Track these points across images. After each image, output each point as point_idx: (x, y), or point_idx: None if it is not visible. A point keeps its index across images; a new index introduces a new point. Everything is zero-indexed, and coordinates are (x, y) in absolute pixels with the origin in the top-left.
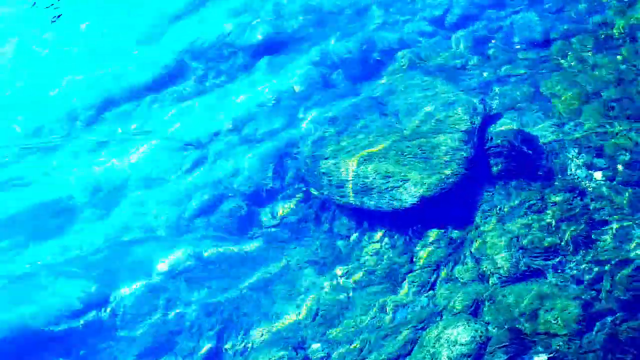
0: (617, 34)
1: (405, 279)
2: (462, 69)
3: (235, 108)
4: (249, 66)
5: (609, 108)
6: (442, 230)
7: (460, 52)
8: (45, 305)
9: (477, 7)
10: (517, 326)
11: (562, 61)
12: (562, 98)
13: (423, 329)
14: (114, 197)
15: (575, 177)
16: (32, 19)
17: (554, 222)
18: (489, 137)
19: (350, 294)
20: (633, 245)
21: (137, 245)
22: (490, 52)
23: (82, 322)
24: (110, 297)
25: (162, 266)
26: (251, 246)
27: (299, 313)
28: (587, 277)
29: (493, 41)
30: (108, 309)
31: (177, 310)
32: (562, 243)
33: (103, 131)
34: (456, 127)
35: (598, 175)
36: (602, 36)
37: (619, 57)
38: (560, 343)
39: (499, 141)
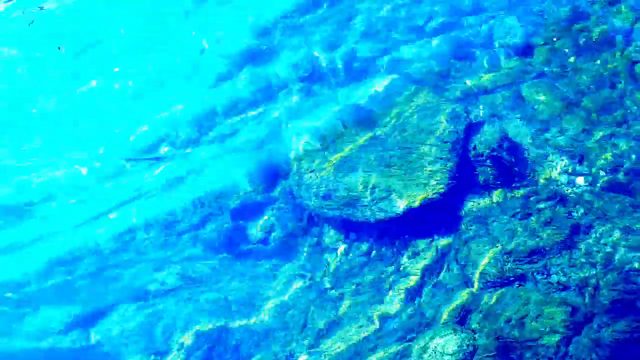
0: (595, 37)
1: (392, 288)
2: (445, 77)
3: None
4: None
5: (591, 114)
6: (429, 239)
7: (443, 60)
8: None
9: (458, 15)
10: (504, 334)
11: (544, 67)
12: (545, 104)
13: (411, 340)
14: None
15: (559, 183)
16: None
17: (538, 228)
18: (474, 146)
19: (338, 305)
20: (616, 249)
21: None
22: (473, 59)
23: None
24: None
25: (151, 286)
26: (237, 260)
27: (287, 327)
28: (572, 282)
29: (475, 49)
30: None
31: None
32: (547, 248)
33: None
34: (441, 136)
35: (581, 180)
36: (583, 40)
37: (598, 61)
38: (548, 350)
39: (483, 149)
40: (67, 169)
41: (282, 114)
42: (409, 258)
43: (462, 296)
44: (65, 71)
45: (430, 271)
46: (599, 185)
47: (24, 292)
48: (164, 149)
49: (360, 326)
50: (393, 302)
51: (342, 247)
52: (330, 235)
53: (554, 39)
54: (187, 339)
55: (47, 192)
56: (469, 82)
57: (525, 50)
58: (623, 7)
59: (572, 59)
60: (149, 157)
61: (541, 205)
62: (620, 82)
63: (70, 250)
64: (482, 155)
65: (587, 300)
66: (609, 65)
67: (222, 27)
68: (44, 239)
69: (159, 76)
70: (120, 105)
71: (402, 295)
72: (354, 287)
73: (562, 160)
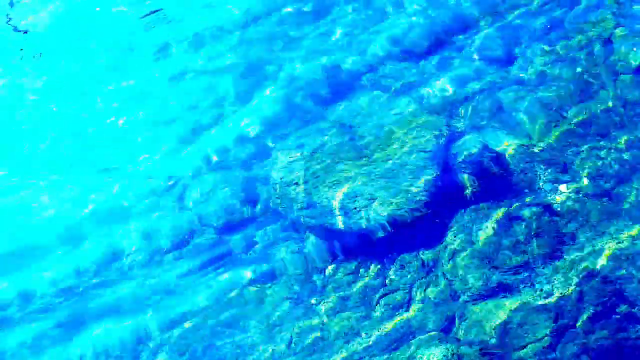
0: (576, 45)
1: (379, 303)
2: (426, 88)
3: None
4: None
5: (574, 123)
6: (414, 252)
7: (425, 71)
8: None
9: (440, 26)
10: (489, 343)
11: (524, 75)
12: (526, 113)
13: (396, 349)
14: None
15: (543, 192)
16: None
17: (523, 238)
18: (456, 156)
19: (325, 320)
20: (599, 256)
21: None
22: (454, 69)
23: None
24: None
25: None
26: (223, 279)
27: (274, 344)
28: (556, 290)
29: (456, 61)
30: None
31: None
32: (532, 258)
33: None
34: (423, 147)
35: (563, 188)
36: (562, 50)
37: (578, 69)
38: (533, 357)
39: (465, 159)
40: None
41: (266, 129)
42: (394, 270)
43: (448, 307)
44: None
45: (416, 284)
46: (583, 193)
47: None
48: None
49: (347, 341)
50: (380, 315)
51: (329, 265)
52: (315, 247)
53: (534, 48)
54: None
55: None
56: (450, 92)
57: (507, 61)
58: (607, 15)
59: (550, 68)
60: None
61: (526, 214)
62: (603, 90)
63: None
64: (465, 165)
65: (571, 307)
66: (588, 72)
67: None
68: None
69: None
70: None
71: (389, 309)
72: (340, 301)
73: (547, 169)
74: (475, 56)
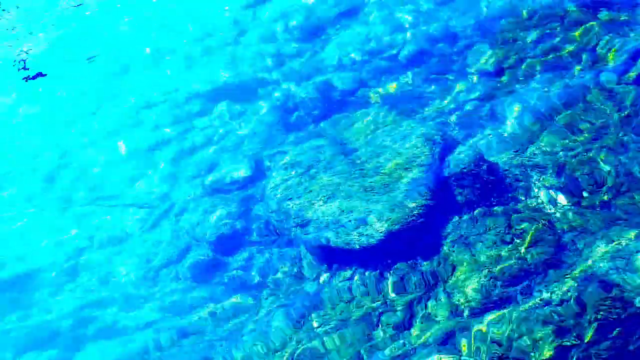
0: (566, 54)
1: (379, 321)
2: (419, 101)
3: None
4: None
5: (566, 129)
6: (412, 265)
7: (417, 85)
8: None
9: (430, 42)
10: (490, 355)
11: (517, 85)
12: (519, 121)
13: None
14: None
15: (539, 200)
16: None
17: (522, 248)
18: (450, 166)
19: (325, 340)
20: (600, 265)
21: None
22: (446, 82)
23: None
24: None
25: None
26: (218, 294)
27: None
28: (557, 299)
29: (448, 74)
30: None
31: None
32: (532, 268)
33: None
34: (417, 159)
35: (561, 197)
36: (551, 58)
37: (566, 79)
38: None
39: (460, 170)
40: None
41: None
42: (393, 284)
43: (449, 321)
44: None
45: (416, 299)
46: (580, 200)
47: None
48: None
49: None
50: (381, 335)
51: (324, 276)
52: (312, 263)
53: (523, 59)
54: None
55: None
56: (443, 104)
57: (497, 72)
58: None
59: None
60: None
61: (524, 224)
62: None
63: None
64: (459, 175)
65: (573, 316)
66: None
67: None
68: None
69: None
70: None
71: (390, 328)
72: (339, 320)
73: (542, 176)
74: (468, 68)
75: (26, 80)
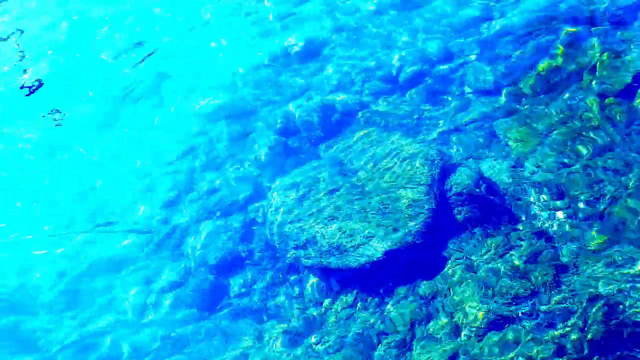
0: (565, 75)
1: (380, 342)
2: (419, 121)
3: None
4: None
5: (564, 147)
6: (413, 286)
7: (415, 105)
8: None
9: (428, 63)
10: None
11: (515, 105)
12: (518, 141)
13: None
14: None
15: (539, 218)
16: None
17: (522, 267)
18: (450, 187)
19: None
20: (600, 282)
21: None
22: (445, 102)
23: None
24: None
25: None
26: (220, 319)
27: None
28: (559, 319)
29: (447, 94)
30: None
31: None
32: (533, 288)
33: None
34: (416, 179)
35: (560, 214)
36: (551, 78)
37: (566, 95)
38: None
39: (460, 190)
40: None
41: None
42: (394, 306)
43: (451, 342)
44: None
45: (417, 320)
46: (578, 217)
47: None
48: None
49: None
50: (382, 355)
51: (326, 301)
52: (313, 285)
53: (521, 77)
54: None
55: None
56: (441, 124)
57: (495, 91)
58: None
59: (540, 95)
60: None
61: (524, 242)
62: (589, 114)
63: None
64: (459, 195)
65: (575, 336)
66: (574, 98)
67: None
68: None
69: None
70: None
71: (391, 348)
72: (340, 342)
73: (541, 194)
74: (466, 88)
75: (28, 95)
